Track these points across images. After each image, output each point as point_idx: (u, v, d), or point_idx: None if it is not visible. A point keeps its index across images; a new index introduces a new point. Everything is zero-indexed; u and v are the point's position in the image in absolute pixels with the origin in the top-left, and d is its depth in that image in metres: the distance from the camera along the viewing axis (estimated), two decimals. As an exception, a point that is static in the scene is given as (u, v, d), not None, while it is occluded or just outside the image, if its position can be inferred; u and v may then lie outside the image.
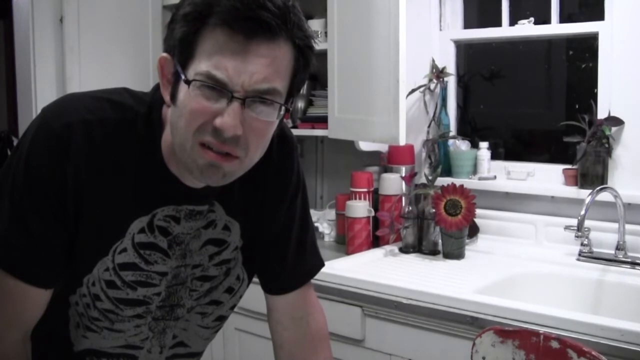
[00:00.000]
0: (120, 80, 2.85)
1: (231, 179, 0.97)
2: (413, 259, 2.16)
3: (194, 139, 0.91)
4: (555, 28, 2.28)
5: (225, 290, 1.16)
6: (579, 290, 1.96)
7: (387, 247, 2.26)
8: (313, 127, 2.55)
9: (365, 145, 2.41)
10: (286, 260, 1.21)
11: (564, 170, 2.23)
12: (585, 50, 2.37)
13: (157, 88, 1.00)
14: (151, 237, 1.03)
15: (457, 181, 2.18)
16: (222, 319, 1.20)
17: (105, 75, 2.75)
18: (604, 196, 1.97)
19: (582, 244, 2.07)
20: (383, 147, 2.44)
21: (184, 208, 1.04)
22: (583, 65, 2.41)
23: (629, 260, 1.98)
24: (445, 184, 2.14)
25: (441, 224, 2.10)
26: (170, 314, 1.11)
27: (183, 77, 0.89)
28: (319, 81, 2.67)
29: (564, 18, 2.29)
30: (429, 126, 2.51)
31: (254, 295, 2.22)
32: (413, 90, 2.44)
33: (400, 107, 2.01)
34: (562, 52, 2.60)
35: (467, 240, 2.19)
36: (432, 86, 2.50)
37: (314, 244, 1.27)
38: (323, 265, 1.29)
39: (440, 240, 2.18)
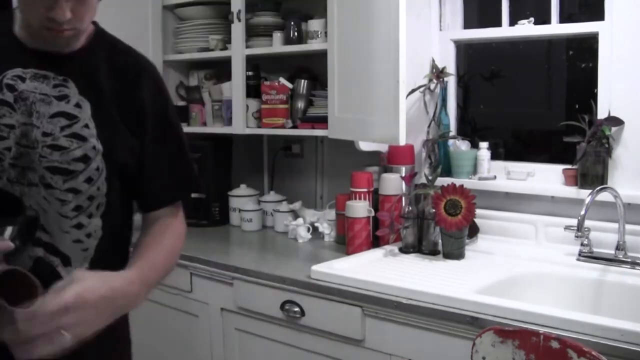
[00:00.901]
0: (120, 80, 2.85)
1: (76, 42, 1.25)
2: (413, 259, 2.16)
3: (37, 24, 1.17)
4: (555, 28, 2.28)
5: (85, 180, 1.25)
6: (579, 290, 1.96)
7: (387, 247, 2.26)
8: (313, 127, 2.55)
9: (365, 145, 2.41)
10: (149, 164, 1.33)
11: (564, 170, 2.23)
12: (585, 50, 2.37)
13: None
14: (0, 94, 1.21)
15: (457, 181, 2.18)
16: (79, 210, 1.25)
17: (105, 75, 2.75)
18: (604, 196, 1.97)
19: (582, 244, 2.07)
20: (383, 147, 2.44)
21: (30, 71, 1.24)
22: (583, 65, 2.41)
23: (629, 260, 1.98)
24: (445, 184, 2.14)
25: (441, 224, 2.10)
26: (23, 176, 1.21)
27: None
28: (319, 81, 2.67)
29: (564, 18, 2.29)
30: (429, 126, 2.51)
31: (253, 295, 2.23)
32: (413, 90, 2.45)
33: (400, 107, 2.01)
34: (562, 52, 2.60)
35: (467, 240, 2.19)
36: (432, 86, 2.50)
37: (184, 162, 1.41)
38: (196, 183, 1.45)
39: (440, 240, 2.18)
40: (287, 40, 2.61)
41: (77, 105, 1.24)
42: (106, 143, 1.26)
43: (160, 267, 1.31)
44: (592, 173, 2.13)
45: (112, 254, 1.31)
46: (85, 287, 1.08)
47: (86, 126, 1.24)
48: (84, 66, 1.27)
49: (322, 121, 2.48)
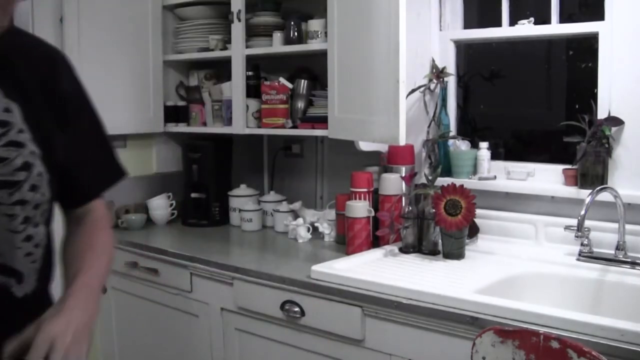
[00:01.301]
0: (120, 80, 2.86)
1: None
2: (413, 259, 2.16)
3: None
4: (555, 28, 2.28)
5: (30, 188, 1.16)
6: (579, 290, 1.96)
7: (387, 247, 2.26)
8: (313, 127, 2.55)
9: (365, 145, 2.41)
10: (79, 157, 1.26)
11: (564, 170, 2.23)
12: (585, 50, 2.37)
13: None
14: None
15: (457, 181, 2.18)
16: (27, 221, 1.17)
17: (105, 75, 2.75)
18: (604, 196, 1.97)
19: (582, 244, 2.07)
20: (383, 147, 2.44)
21: None
22: (583, 65, 2.41)
23: (629, 260, 1.98)
24: (445, 184, 2.14)
25: (441, 224, 2.10)
26: None
27: None
28: (319, 81, 2.67)
29: (564, 18, 2.29)
30: (429, 126, 2.51)
31: (253, 295, 2.22)
32: (413, 90, 2.45)
33: (400, 107, 2.01)
34: (562, 52, 2.61)
35: (467, 240, 2.19)
36: (432, 86, 2.50)
37: (107, 150, 1.36)
38: (122, 170, 1.38)
39: (440, 240, 2.18)
40: (287, 40, 2.61)
41: (7, 110, 1.13)
42: (43, 145, 1.17)
43: (104, 270, 1.26)
44: (592, 173, 2.13)
45: (51, 260, 1.25)
46: (48, 323, 1.04)
47: (21, 131, 1.14)
48: (3, 66, 1.16)
49: (322, 121, 2.48)
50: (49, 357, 1.01)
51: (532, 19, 2.32)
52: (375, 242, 2.31)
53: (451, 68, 2.51)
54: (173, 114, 3.03)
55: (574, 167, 2.19)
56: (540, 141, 2.68)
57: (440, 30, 2.53)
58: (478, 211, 2.17)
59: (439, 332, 1.73)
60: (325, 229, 2.52)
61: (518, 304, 1.65)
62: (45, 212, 1.19)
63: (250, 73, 2.74)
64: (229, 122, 2.79)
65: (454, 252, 2.13)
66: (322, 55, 2.41)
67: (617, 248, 2.01)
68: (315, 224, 2.57)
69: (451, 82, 2.52)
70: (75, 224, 1.31)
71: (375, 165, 2.51)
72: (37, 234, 1.18)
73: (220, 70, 3.00)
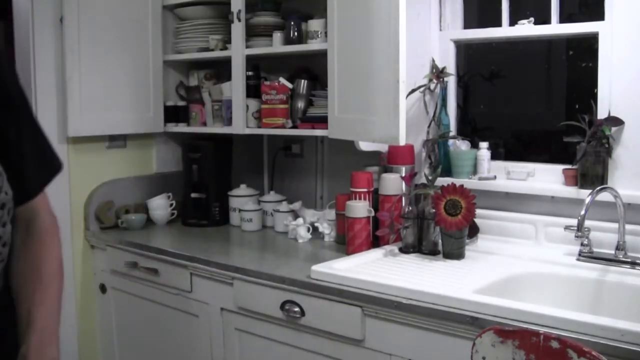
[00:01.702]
0: (120, 80, 2.86)
1: None
2: (413, 259, 2.16)
3: None
4: (555, 28, 2.28)
5: None
6: (579, 290, 1.96)
7: (387, 247, 2.26)
8: (313, 127, 2.55)
9: (365, 145, 2.41)
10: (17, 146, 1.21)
11: (564, 170, 2.23)
12: (585, 50, 2.37)
13: None
14: None
15: (457, 181, 2.18)
16: None
17: (105, 75, 2.75)
18: (604, 196, 1.97)
19: (582, 244, 2.07)
20: (383, 147, 2.44)
21: None
22: (583, 65, 2.41)
23: (629, 260, 1.98)
24: (445, 184, 2.14)
25: (441, 224, 2.10)
26: None
27: None
28: (319, 81, 2.67)
29: (564, 18, 2.29)
30: (429, 126, 2.51)
31: (253, 295, 2.22)
32: (413, 90, 2.45)
33: (400, 107, 2.02)
34: (562, 52, 2.60)
35: (467, 240, 2.19)
36: (432, 86, 2.50)
37: (46, 143, 1.30)
38: (59, 161, 1.32)
39: (440, 240, 2.18)
40: (287, 40, 2.61)
41: None
42: None
43: (56, 301, 1.25)
44: (592, 173, 2.13)
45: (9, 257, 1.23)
46: None
47: None
48: None
49: (322, 121, 2.48)
50: None
51: (532, 19, 2.32)
52: (375, 242, 2.31)
53: (451, 68, 2.51)
54: (173, 114, 3.03)
55: (574, 167, 2.19)
56: (540, 141, 2.68)
57: (440, 30, 2.53)
58: (478, 211, 2.17)
59: (439, 332, 1.73)
60: (325, 229, 2.52)
61: (518, 304, 1.65)
62: (10, 210, 1.18)
63: (250, 73, 2.74)
64: (229, 122, 2.79)
65: (454, 252, 2.13)
66: (322, 55, 2.41)
67: (617, 248, 2.01)
68: (315, 224, 2.57)
69: (451, 82, 2.52)
70: (23, 232, 1.26)
71: (375, 165, 2.51)
72: (4, 233, 1.17)
73: (220, 70, 3.00)
